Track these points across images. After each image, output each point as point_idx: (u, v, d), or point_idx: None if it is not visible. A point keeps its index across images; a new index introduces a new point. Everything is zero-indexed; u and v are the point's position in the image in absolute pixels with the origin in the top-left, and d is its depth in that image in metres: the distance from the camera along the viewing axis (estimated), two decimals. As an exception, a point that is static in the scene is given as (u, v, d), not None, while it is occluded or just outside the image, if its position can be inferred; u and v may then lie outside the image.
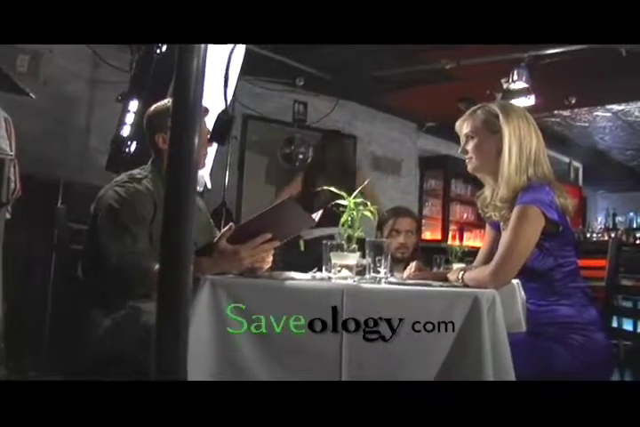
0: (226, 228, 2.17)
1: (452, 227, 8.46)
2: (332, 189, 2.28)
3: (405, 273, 2.48)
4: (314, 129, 6.63)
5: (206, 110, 2.56)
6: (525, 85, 5.21)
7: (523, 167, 2.28)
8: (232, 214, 5.43)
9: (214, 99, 3.47)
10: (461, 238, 8.55)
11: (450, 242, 8.13)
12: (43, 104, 4.27)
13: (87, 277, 2.41)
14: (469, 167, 2.43)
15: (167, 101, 2.54)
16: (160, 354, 0.82)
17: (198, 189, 2.98)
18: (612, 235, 8.17)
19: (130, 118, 3.73)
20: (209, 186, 3.82)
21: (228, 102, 3.91)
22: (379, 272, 2.18)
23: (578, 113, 7.72)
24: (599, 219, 9.64)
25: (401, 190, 7.85)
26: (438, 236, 8.20)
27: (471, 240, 8.68)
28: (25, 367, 2.23)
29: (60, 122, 4.82)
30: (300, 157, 6.12)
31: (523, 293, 2.53)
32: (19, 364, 2.14)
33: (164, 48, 3.44)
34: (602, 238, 7.91)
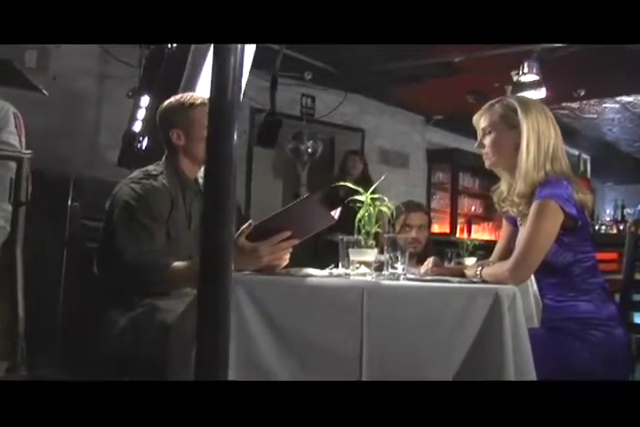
0: (245, 225, 2.16)
1: (460, 220, 8.45)
2: (349, 184, 2.27)
3: (422, 269, 2.47)
4: (322, 123, 6.61)
5: None
6: (536, 78, 5.17)
7: (541, 162, 2.26)
8: (240, 209, 5.42)
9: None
10: (469, 231, 8.55)
11: (458, 235, 8.13)
12: (52, 100, 4.26)
13: (103, 275, 2.39)
14: (486, 162, 2.41)
15: (180, 97, 2.52)
16: (201, 354, 0.81)
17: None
18: (622, 227, 8.16)
19: (141, 114, 3.71)
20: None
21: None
22: (396, 268, 2.17)
23: (586, 105, 7.68)
24: (607, 211, 9.60)
25: (409, 184, 7.83)
26: (446, 229, 8.19)
27: (479, 233, 8.68)
28: (45, 367, 2.23)
29: (70, 118, 4.81)
30: (309, 151, 6.10)
31: (535, 287, 2.52)
32: (40, 364, 2.13)
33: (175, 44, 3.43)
34: (610, 231, 7.89)
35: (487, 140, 2.37)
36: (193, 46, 3.32)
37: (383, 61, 5.94)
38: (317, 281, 2.04)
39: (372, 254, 2.08)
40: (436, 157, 8.37)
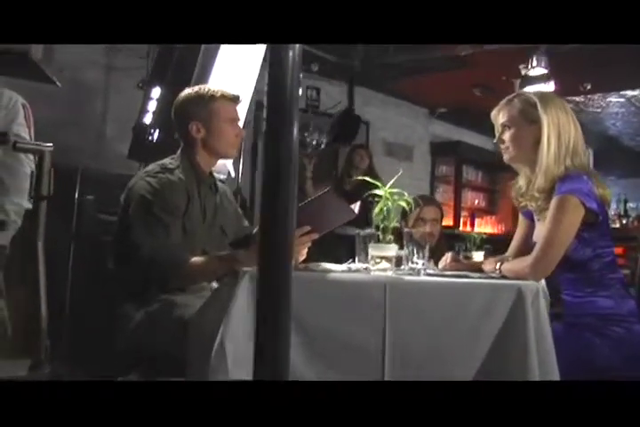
0: (265, 219, 2.14)
1: (464, 213, 8.43)
2: (368, 178, 2.25)
3: (441, 264, 2.46)
4: (327, 115, 6.58)
5: (238, 99, 2.53)
6: (544, 71, 5.15)
7: (561, 157, 2.25)
8: (246, 202, 5.40)
9: (245, 86, 3.42)
10: (472, 225, 8.54)
11: (461, 228, 8.12)
12: (58, 91, 4.23)
13: (118, 270, 2.36)
14: (505, 157, 2.40)
15: (199, 89, 2.49)
16: (261, 352, 0.79)
17: (221, 177, 2.95)
18: (624, 221, 8.15)
19: (152, 106, 3.68)
20: (232, 174, 3.79)
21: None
22: (417, 263, 2.16)
23: (591, 99, 7.66)
24: (611, 205, 9.57)
25: (413, 177, 7.81)
26: (450, 222, 8.17)
27: (482, 226, 8.67)
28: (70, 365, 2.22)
29: (76, 109, 4.77)
30: (314, 142, 6.07)
31: (543, 281, 2.52)
32: (64, 361, 2.12)
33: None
34: (614, 225, 7.87)
35: (506, 136, 2.36)
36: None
37: (389, 54, 5.91)
38: (339, 277, 2.03)
39: (392, 250, 2.07)
40: (440, 150, 8.35)
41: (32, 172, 2.84)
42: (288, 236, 0.81)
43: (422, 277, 2.06)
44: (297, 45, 0.83)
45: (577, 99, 7.62)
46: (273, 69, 0.82)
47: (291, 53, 0.82)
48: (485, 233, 7.25)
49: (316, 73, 6.07)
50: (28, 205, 2.88)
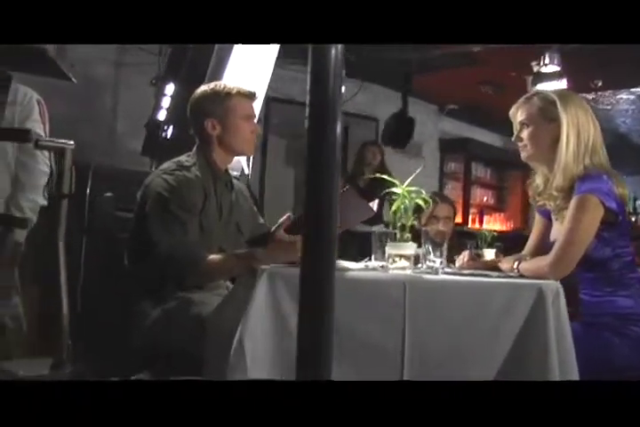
0: (284, 217, 2.14)
1: (472, 210, 8.42)
2: (385, 176, 2.25)
3: (458, 262, 2.45)
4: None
5: (254, 95, 2.52)
6: (557, 69, 5.12)
7: (580, 156, 2.23)
8: (256, 198, 5.40)
9: (259, 83, 3.41)
10: (481, 222, 8.53)
11: (470, 225, 8.11)
12: (70, 87, 4.23)
13: (134, 267, 2.36)
14: (523, 155, 2.39)
15: (215, 85, 2.48)
16: (304, 353, 0.79)
17: (235, 173, 2.94)
18: (634, 219, 8.12)
19: (166, 102, 3.67)
20: (246, 171, 3.78)
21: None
22: (434, 262, 2.15)
23: (601, 95, 7.63)
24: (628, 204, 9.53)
25: (422, 173, 7.76)
26: (459, 219, 8.16)
27: (491, 224, 8.65)
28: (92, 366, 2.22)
29: (88, 105, 4.77)
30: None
31: None
32: (84, 360, 2.12)
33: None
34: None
35: (525, 134, 2.34)
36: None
37: (400, 50, 5.88)
38: (358, 275, 2.02)
39: (411, 248, 2.06)
40: (449, 147, 8.32)
41: (51, 169, 2.85)
42: (332, 233, 0.80)
43: (441, 276, 2.05)
44: (339, 45, 0.82)
45: (587, 96, 7.58)
46: (315, 68, 0.82)
47: (333, 51, 0.81)
48: (494, 230, 7.24)
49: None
50: (43, 202, 2.89)
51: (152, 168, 3.62)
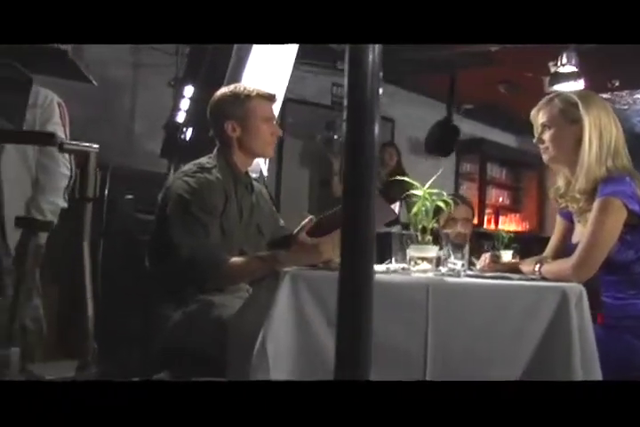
0: (306, 220, 2.14)
1: (488, 211, 8.39)
2: (406, 178, 2.25)
3: (479, 265, 2.44)
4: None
5: (273, 97, 2.52)
6: (575, 69, 5.10)
7: (603, 158, 2.22)
8: (272, 199, 5.40)
9: (278, 84, 3.42)
10: (497, 222, 8.50)
11: (485, 226, 8.08)
12: (88, 88, 4.25)
13: (156, 269, 2.36)
14: (545, 157, 2.38)
15: (234, 88, 2.48)
16: (342, 355, 0.79)
17: (253, 175, 2.95)
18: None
19: (185, 104, 3.68)
20: (265, 173, 3.78)
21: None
22: (455, 264, 2.14)
23: (618, 95, 7.59)
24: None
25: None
26: (474, 220, 8.13)
27: (506, 224, 8.61)
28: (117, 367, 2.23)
29: (105, 106, 4.79)
30: (342, 140, 6.04)
31: None
32: (108, 362, 2.13)
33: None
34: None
35: (546, 136, 2.33)
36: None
37: (413, 50, 5.87)
38: (379, 278, 2.01)
39: (433, 250, 2.06)
40: (465, 147, 8.27)
41: (71, 171, 2.87)
42: (370, 235, 0.80)
43: (464, 279, 2.05)
44: (377, 45, 0.82)
45: (604, 95, 7.54)
46: (353, 68, 0.81)
47: (371, 53, 0.81)
48: (510, 231, 7.23)
49: (342, 70, 6.02)
50: (64, 204, 2.91)
51: (171, 170, 3.63)
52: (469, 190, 8.33)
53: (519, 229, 8.68)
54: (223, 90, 2.51)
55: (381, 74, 0.84)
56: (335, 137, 6.02)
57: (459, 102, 7.91)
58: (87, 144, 1.91)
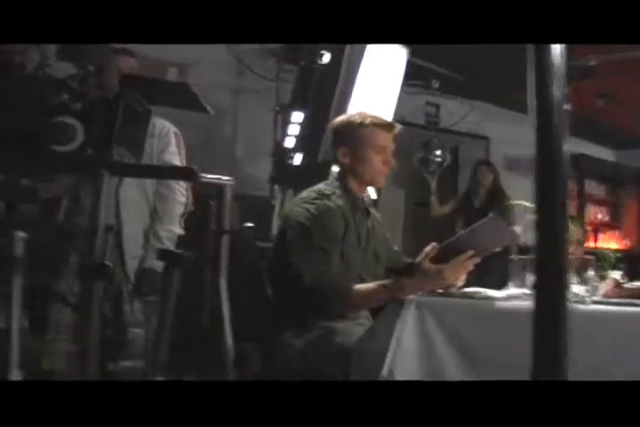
0: (429, 247, 2.14)
1: (587, 228, 8.18)
2: (524, 202, 2.23)
3: (602, 290, 2.38)
4: (448, 131, 6.53)
5: (391, 127, 2.53)
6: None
7: None
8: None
9: (385, 107, 3.45)
10: (596, 240, 8.28)
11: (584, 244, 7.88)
12: (193, 115, 4.36)
13: (278, 297, 2.39)
14: None
15: (351, 115, 2.52)
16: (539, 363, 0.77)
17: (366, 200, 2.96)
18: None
19: (293, 130, 3.73)
20: (373, 197, 3.79)
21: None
22: (580, 290, 2.10)
23: None
24: None
25: (532, 191, 7.61)
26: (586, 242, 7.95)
27: (605, 242, 8.39)
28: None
29: (209, 132, 4.91)
30: (438, 160, 6.03)
31: None
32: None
33: (327, 58, 3.42)
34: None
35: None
36: (346, 56, 3.30)
37: (508, 66, 5.80)
38: (506, 305, 2.00)
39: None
40: (562, 164, 8.12)
41: (187, 199, 2.95)
42: (565, 254, 0.79)
43: (591, 306, 2.01)
44: (563, 49, 0.78)
45: None
46: (539, 73, 0.78)
47: (552, 54, 0.78)
48: (613, 249, 7.03)
49: (437, 89, 6.01)
50: (180, 231, 2.98)
51: (280, 195, 3.68)
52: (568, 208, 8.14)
53: (619, 246, 8.42)
54: (342, 116, 2.56)
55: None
56: (431, 157, 6.01)
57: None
58: (224, 178, 1.95)
